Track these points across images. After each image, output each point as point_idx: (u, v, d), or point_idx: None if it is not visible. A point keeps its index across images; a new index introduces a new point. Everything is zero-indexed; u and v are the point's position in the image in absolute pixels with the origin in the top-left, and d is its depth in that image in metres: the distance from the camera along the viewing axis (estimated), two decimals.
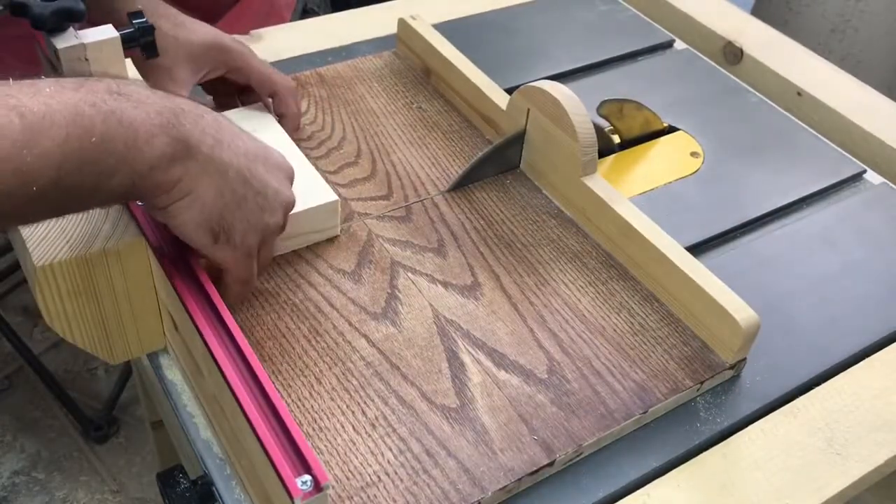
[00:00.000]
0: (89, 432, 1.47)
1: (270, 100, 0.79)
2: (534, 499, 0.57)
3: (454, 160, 0.82)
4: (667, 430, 0.62)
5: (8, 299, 1.68)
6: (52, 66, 0.69)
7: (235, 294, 0.60)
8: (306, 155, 0.74)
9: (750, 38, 1.04)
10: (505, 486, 0.56)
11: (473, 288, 0.69)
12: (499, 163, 0.80)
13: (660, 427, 0.62)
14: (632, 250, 0.70)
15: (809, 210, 0.83)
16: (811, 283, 0.74)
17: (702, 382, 0.64)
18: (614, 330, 0.67)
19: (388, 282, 0.69)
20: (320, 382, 0.61)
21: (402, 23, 0.93)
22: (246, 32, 0.99)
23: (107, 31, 0.67)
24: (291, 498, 0.46)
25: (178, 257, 0.58)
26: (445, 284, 0.69)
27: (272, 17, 1.33)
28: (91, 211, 0.60)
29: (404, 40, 0.94)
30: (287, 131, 0.77)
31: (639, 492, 0.59)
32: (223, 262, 0.57)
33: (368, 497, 0.55)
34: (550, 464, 0.58)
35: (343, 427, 0.58)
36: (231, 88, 0.80)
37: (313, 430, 0.58)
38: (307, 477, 0.46)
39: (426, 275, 0.70)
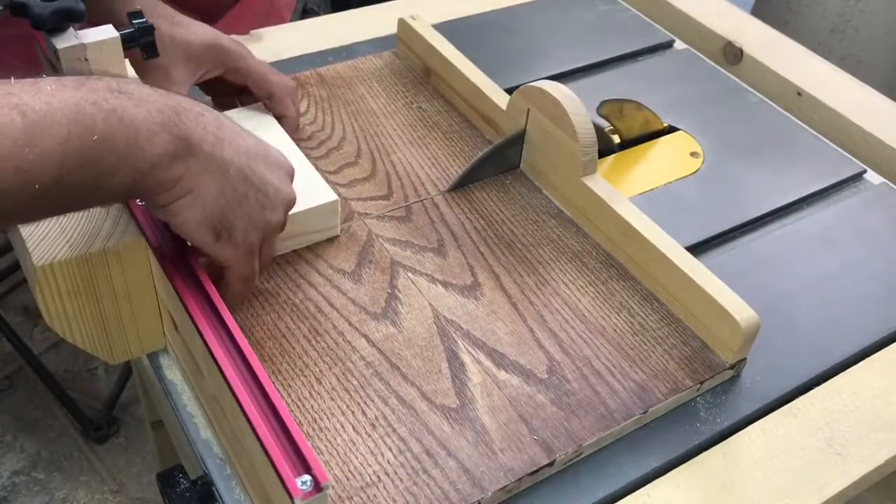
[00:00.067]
0: (89, 432, 1.47)
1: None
2: (534, 499, 0.57)
3: (454, 160, 0.82)
4: (667, 430, 0.62)
5: (8, 299, 1.68)
6: (52, 66, 0.69)
7: (237, 292, 0.60)
8: (306, 155, 0.74)
9: (750, 38, 1.04)
10: (505, 486, 0.56)
11: (473, 288, 0.69)
12: (499, 163, 0.80)
13: (660, 427, 0.62)
14: (632, 250, 0.70)
15: (809, 210, 0.83)
16: (811, 283, 0.74)
17: (702, 382, 0.64)
18: (614, 330, 0.67)
19: (388, 282, 0.69)
20: (320, 382, 0.61)
21: (402, 23, 0.93)
22: (246, 32, 0.99)
23: (107, 31, 0.67)
24: (291, 498, 0.46)
25: (178, 257, 0.58)
26: (445, 284, 0.69)
27: (272, 17, 1.33)
28: (91, 210, 0.60)
29: (404, 40, 0.94)
30: (286, 132, 0.77)
31: (639, 492, 0.59)
32: (225, 261, 0.57)
33: (368, 497, 0.55)
34: (550, 464, 0.58)
35: (343, 427, 0.58)
36: (230, 89, 0.80)
37: (313, 430, 0.58)
38: (307, 477, 0.46)
39: (426, 275, 0.70)
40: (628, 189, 0.81)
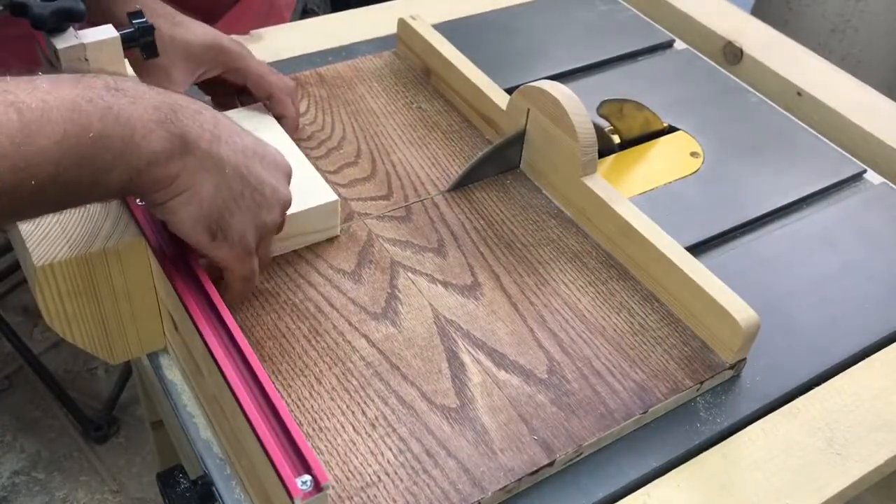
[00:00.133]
0: (89, 432, 1.47)
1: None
2: (534, 499, 0.57)
3: (454, 160, 0.82)
4: (667, 430, 0.62)
5: (8, 299, 1.68)
6: (52, 65, 0.69)
7: (237, 293, 0.60)
8: (306, 155, 0.74)
9: (750, 38, 1.04)
10: (505, 486, 0.56)
11: (473, 288, 0.69)
12: (499, 163, 0.80)
13: (660, 427, 0.62)
14: (632, 250, 0.70)
15: (809, 210, 0.83)
16: (811, 283, 0.74)
17: (702, 382, 0.64)
18: (614, 330, 0.67)
19: (388, 282, 0.69)
20: (320, 382, 0.61)
21: (402, 23, 0.93)
22: (246, 32, 0.99)
23: (107, 31, 0.67)
24: (291, 498, 0.45)
25: (177, 257, 0.58)
26: (445, 284, 0.69)
27: (272, 17, 1.33)
28: (91, 210, 0.60)
29: (404, 40, 0.94)
30: (286, 132, 0.77)
31: (639, 492, 0.59)
32: (222, 261, 0.57)
33: (368, 497, 0.55)
34: (550, 464, 0.58)
35: (343, 427, 0.58)
36: (230, 89, 0.80)
37: (313, 430, 0.58)
38: (307, 477, 0.46)
39: (426, 275, 0.70)
40: (628, 189, 0.81)
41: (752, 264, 0.76)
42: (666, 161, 0.86)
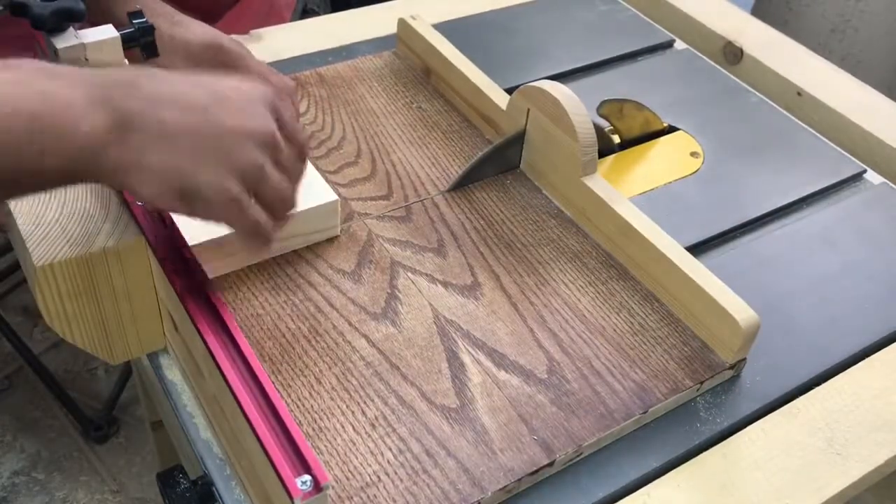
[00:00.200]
0: (89, 432, 1.47)
1: None
2: (534, 499, 0.57)
3: (454, 160, 0.82)
4: (667, 430, 0.62)
5: (8, 299, 1.68)
6: None
7: (251, 245, 0.58)
8: None
9: (750, 38, 1.04)
10: (505, 486, 0.56)
11: (473, 288, 0.69)
12: (499, 163, 0.80)
13: (660, 427, 0.62)
14: (632, 250, 0.70)
15: (809, 210, 0.83)
16: (811, 283, 0.74)
17: (702, 382, 0.64)
18: (614, 330, 0.67)
19: (388, 282, 0.69)
20: (320, 382, 0.61)
21: (402, 23, 0.93)
22: (246, 32, 0.99)
23: (107, 31, 0.67)
24: (291, 498, 0.46)
25: (177, 257, 0.58)
26: (445, 284, 0.69)
27: (272, 17, 1.33)
28: (91, 210, 0.60)
29: (404, 40, 0.94)
30: None
31: (639, 492, 0.59)
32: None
33: (368, 497, 0.55)
34: (550, 464, 0.58)
35: (343, 427, 0.58)
36: None
37: (313, 430, 0.58)
38: (307, 477, 0.46)
39: (426, 275, 0.70)
40: (628, 189, 0.81)
41: (752, 264, 0.76)
42: (666, 161, 0.86)
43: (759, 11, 1.91)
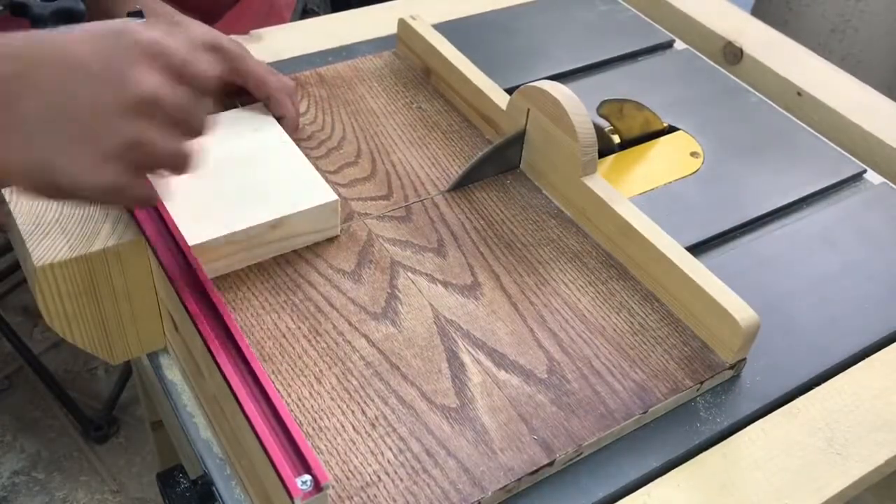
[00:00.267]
0: (89, 432, 1.47)
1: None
2: (534, 499, 0.57)
3: (454, 160, 0.82)
4: (667, 430, 0.62)
5: (8, 299, 1.68)
6: None
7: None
8: (306, 155, 0.74)
9: (750, 38, 1.04)
10: (505, 486, 0.56)
11: (473, 288, 0.69)
12: (499, 163, 0.80)
13: (660, 427, 0.62)
14: (632, 250, 0.70)
15: (809, 210, 0.83)
16: (811, 283, 0.74)
17: (702, 382, 0.64)
18: (614, 330, 0.67)
19: (388, 282, 0.69)
20: (320, 382, 0.61)
21: (402, 23, 0.93)
22: (246, 32, 0.99)
23: None
24: (291, 498, 0.46)
25: (177, 257, 0.58)
26: (445, 284, 0.69)
27: (272, 17, 1.33)
28: (91, 210, 0.60)
29: (404, 40, 0.94)
30: (286, 132, 0.77)
31: (639, 492, 0.59)
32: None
33: (368, 497, 0.55)
34: (550, 464, 0.58)
35: (343, 427, 0.58)
36: (229, 89, 0.80)
37: (313, 429, 0.58)
38: (307, 477, 0.46)
39: (426, 275, 0.70)
40: (628, 189, 0.81)
41: (752, 264, 0.76)
42: (666, 161, 0.86)
43: (759, 11, 1.91)
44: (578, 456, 0.59)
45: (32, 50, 0.45)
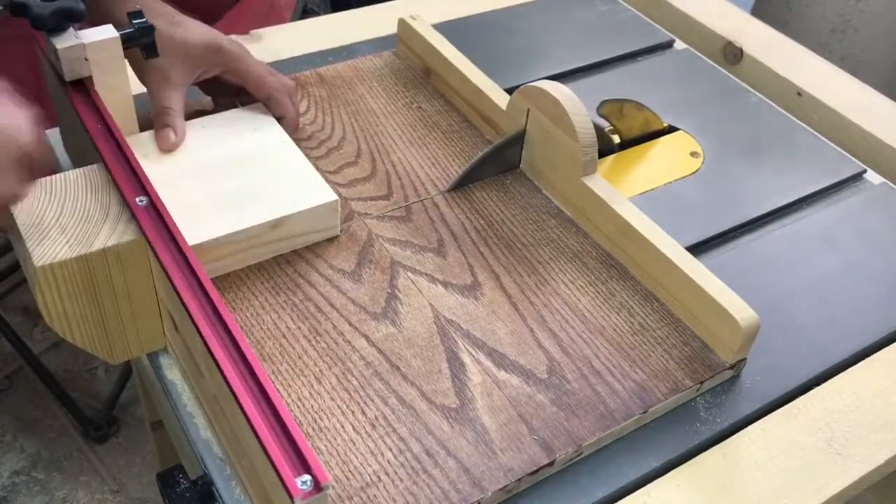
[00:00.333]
0: (89, 432, 1.47)
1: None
2: (534, 499, 0.57)
3: (454, 160, 0.82)
4: (667, 430, 0.62)
5: (8, 299, 1.68)
6: (52, 66, 0.69)
7: None
8: (306, 155, 0.74)
9: (750, 38, 1.04)
10: (505, 486, 0.56)
11: (473, 288, 0.69)
12: (499, 163, 0.80)
13: (660, 427, 0.62)
14: (632, 250, 0.70)
15: (809, 210, 0.83)
16: (811, 283, 0.74)
17: (702, 382, 0.64)
18: (614, 330, 0.67)
19: (388, 282, 0.69)
20: (320, 382, 0.61)
21: (402, 23, 0.93)
22: (246, 32, 0.99)
23: (107, 31, 0.67)
24: (291, 498, 0.45)
25: (177, 257, 0.58)
26: (445, 284, 0.69)
27: (272, 17, 1.33)
28: (91, 210, 0.60)
29: (404, 40, 0.94)
30: (286, 132, 0.77)
31: (639, 492, 0.59)
32: None
33: (368, 497, 0.55)
34: (550, 464, 0.58)
35: (343, 427, 0.58)
36: (229, 89, 0.80)
37: (313, 430, 0.58)
38: (307, 477, 0.46)
39: (426, 275, 0.70)
40: (628, 189, 0.81)
41: (752, 264, 0.76)
42: (666, 161, 0.86)
43: (759, 11, 1.91)
44: (578, 456, 0.59)
45: None
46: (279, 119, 0.78)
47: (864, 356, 0.70)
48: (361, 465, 0.56)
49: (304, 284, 0.68)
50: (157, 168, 0.69)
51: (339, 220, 0.72)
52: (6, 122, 0.52)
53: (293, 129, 0.80)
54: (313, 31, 1.02)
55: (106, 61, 0.68)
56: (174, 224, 0.60)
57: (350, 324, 0.65)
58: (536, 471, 0.57)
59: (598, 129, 0.78)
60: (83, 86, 0.68)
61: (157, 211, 0.60)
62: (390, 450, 0.57)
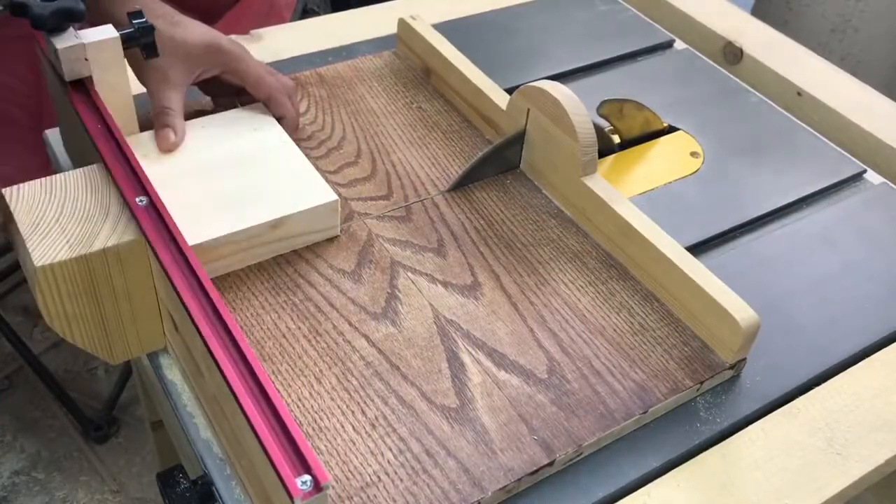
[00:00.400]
0: (89, 432, 1.47)
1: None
2: (534, 499, 0.57)
3: (454, 160, 0.82)
4: (667, 430, 0.62)
5: (8, 299, 1.68)
6: (52, 66, 0.69)
7: None
8: (306, 155, 0.74)
9: (750, 38, 1.04)
10: (505, 486, 0.56)
11: (473, 288, 0.69)
12: (499, 163, 0.80)
13: (660, 427, 0.62)
14: (632, 250, 0.70)
15: (809, 210, 0.83)
16: (811, 283, 0.74)
17: (702, 382, 0.64)
18: (614, 330, 0.67)
19: (388, 282, 0.69)
20: (320, 382, 0.61)
21: (402, 23, 0.93)
22: (246, 32, 0.99)
23: (107, 31, 0.67)
24: (291, 498, 0.45)
25: (177, 257, 0.58)
26: (445, 284, 0.69)
27: (272, 17, 1.33)
28: (91, 210, 0.60)
29: (404, 40, 0.94)
30: (286, 132, 0.77)
31: (639, 492, 0.59)
32: None
33: (368, 497, 0.55)
34: (550, 464, 0.58)
35: (343, 427, 0.58)
36: (229, 89, 0.80)
37: (313, 430, 0.58)
38: (307, 477, 0.46)
39: (426, 275, 0.70)
40: (628, 189, 0.81)
41: (752, 264, 0.76)
42: (666, 161, 0.86)
43: (759, 11, 1.91)
44: (578, 456, 0.59)
45: None
46: (279, 119, 0.78)
47: (864, 356, 0.70)
48: (361, 465, 0.56)
49: (304, 284, 0.68)
50: (157, 168, 0.69)
51: (339, 220, 0.72)
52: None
53: (293, 129, 0.80)
54: (313, 31, 1.02)
55: (106, 61, 0.68)
56: (174, 224, 0.60)
57: (350, 324, 0.65)
58: (536, 471, 0.57)
59: (598, 129, 0.78)
60: (83, 86, 0.68)
61: (157, 211, 0.60)
62: (390, 450, 0.57)
